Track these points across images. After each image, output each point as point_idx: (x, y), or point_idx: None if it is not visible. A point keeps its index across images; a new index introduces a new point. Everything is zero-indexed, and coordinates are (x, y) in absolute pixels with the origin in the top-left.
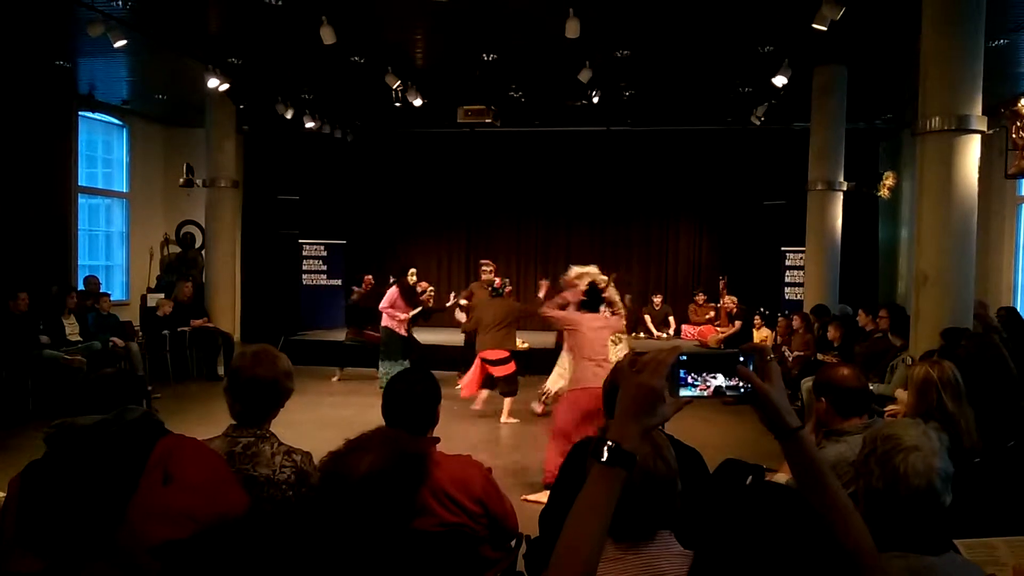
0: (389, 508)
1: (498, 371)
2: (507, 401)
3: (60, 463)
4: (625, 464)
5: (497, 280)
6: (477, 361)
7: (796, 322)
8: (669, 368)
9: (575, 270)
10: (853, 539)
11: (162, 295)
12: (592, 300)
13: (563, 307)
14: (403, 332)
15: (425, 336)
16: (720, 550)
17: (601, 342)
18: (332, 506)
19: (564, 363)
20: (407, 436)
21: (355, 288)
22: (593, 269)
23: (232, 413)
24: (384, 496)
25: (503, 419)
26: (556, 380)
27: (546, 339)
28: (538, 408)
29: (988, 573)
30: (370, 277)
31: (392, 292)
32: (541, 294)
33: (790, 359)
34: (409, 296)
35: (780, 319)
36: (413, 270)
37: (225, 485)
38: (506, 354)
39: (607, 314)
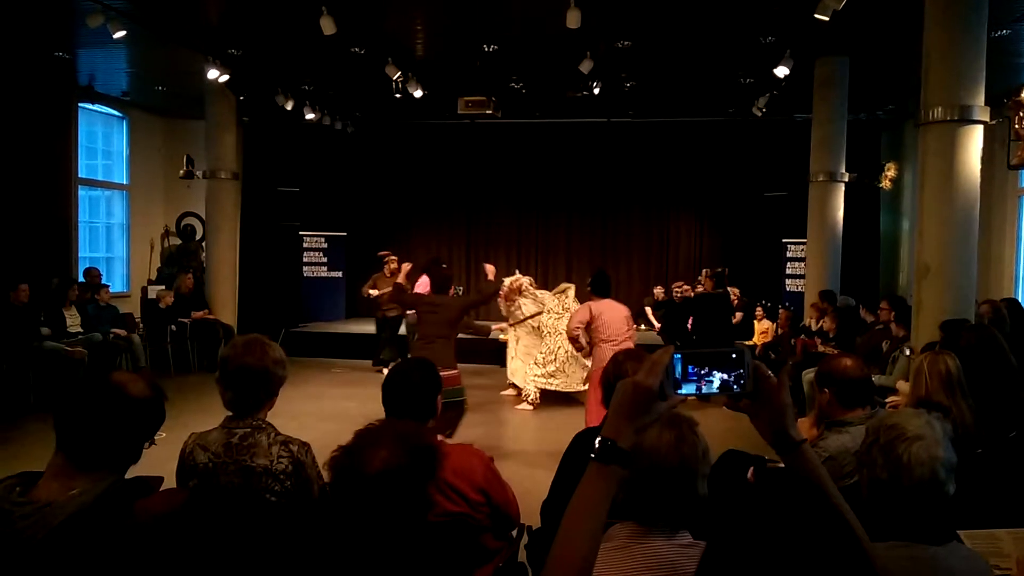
0: (404, 503)
1: None
2: None
3: None
4: (620, 461)
5: None
6: None
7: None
8: (665, 367)
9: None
10: None
11: (163, 287)
12: (602, 286)
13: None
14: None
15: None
16: (733, 540)
17: (616, 325)
18: (346, 501)
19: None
20: (415, 427)
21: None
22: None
23: (224, 402)
24: (399, 491)
25: None
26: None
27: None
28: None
29: (992, 564)
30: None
31: (424, 281)
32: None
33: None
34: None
35: (781, 311)
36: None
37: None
38: None
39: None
